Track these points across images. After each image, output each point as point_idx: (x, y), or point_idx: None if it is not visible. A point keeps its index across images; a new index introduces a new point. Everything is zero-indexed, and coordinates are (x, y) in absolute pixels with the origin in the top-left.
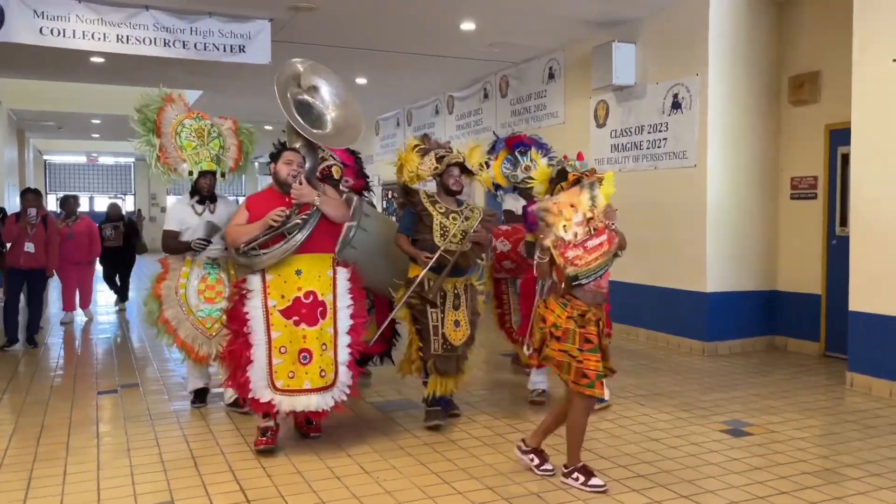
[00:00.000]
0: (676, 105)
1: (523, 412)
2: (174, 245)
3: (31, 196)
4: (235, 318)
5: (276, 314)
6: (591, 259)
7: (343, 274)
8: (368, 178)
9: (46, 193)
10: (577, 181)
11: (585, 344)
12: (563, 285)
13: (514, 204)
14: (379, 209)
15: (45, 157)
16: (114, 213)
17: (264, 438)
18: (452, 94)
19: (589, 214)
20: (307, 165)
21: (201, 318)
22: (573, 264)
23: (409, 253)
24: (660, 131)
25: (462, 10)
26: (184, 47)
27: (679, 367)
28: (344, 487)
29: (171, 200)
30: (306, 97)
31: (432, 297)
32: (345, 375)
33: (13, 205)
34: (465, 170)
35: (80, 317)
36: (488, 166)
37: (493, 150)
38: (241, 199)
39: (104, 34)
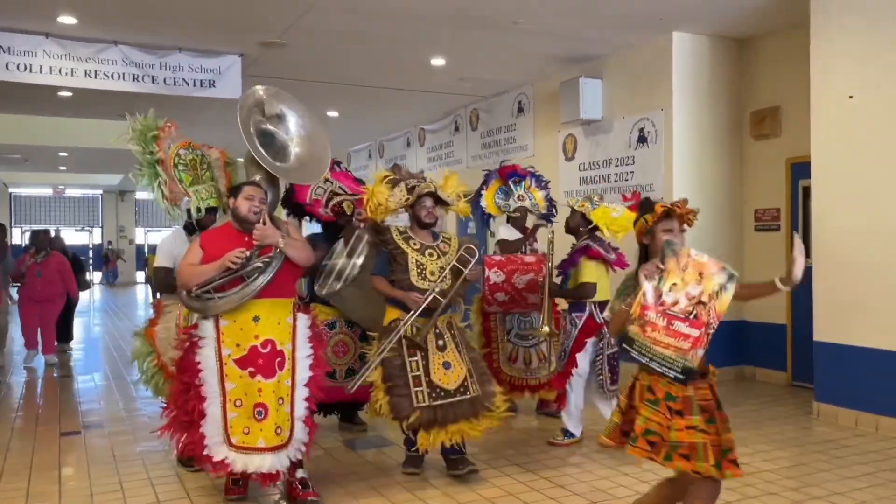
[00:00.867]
0: (642, 139)
1: (538, 467)
2: (171, 282)
3: None
4: (186, 368)
5: (231, 364)
6: (663, 341)
7: (303, 321)
8: None
9: (11, 226)
10: (667, 213)
11: (703, 413)
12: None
13: (508, 233)
14: None
15: (10, 189)
16: (55, 246)
17: (235, 488)
18: (424, 127)
19: (705, 299)
20: (269, 200)
21: None
22: (643, 328)
23: (393, 296)
24: (627, 164)
25: (432, 47)
26: (153, 82)
27: None
28: None
29: (140, 233)
30: (269, 126)
31: (423, 342)
32: (301, 432)
33: None
34: (438, 200)
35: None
36: (480, 196)
37: (486, 181)
38: None
39: (72, 69)
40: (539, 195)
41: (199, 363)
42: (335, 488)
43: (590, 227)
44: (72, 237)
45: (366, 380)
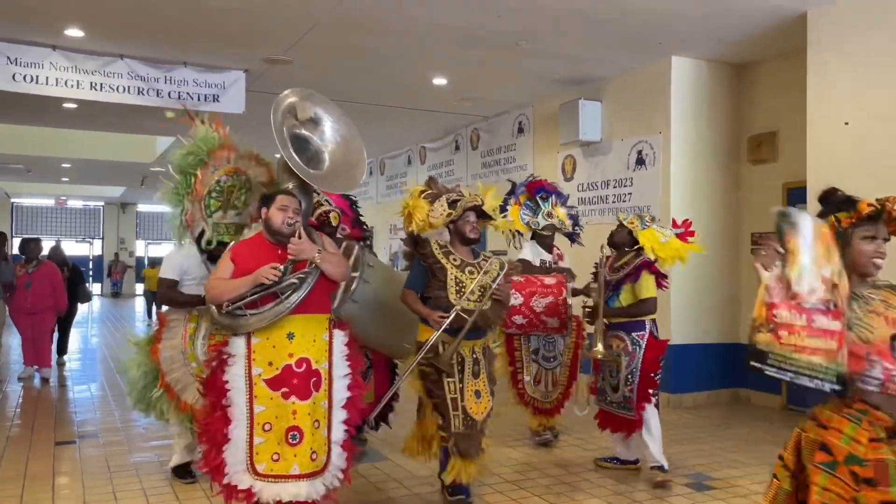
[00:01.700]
0: (640, 161)
1: (556, 497)
2: (176, 297)
3: None
4: (213, 387)
5: (261, 384)
6: (808, 346)
7: (340, 337)
8: (366, 226)
9: (12, 236)
10: (875, 215)
11: None
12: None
13: (532, 253)
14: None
15: (12, 199)
16: (57, 257)
17: None
18: (424, 146)
19: (836, 280)
20: (301, 210)
21: None
22: (775, 333)
23: (418, 312)
24: (625, 186)
25: (434, 67)
26: (157, 96)
27: None
28: None
29: (140, 245)
30: (303, 131)
31: (446, 366)
32: (338, 458)
33: None
34: (481, 215)
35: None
36: (505, 210)
37: (511, 194)
38: None
39: (78, 81)
40: (562, 212)
41: (226, 382)
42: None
43: (636, 246)
44: (72, 248)
45: (414, 391)
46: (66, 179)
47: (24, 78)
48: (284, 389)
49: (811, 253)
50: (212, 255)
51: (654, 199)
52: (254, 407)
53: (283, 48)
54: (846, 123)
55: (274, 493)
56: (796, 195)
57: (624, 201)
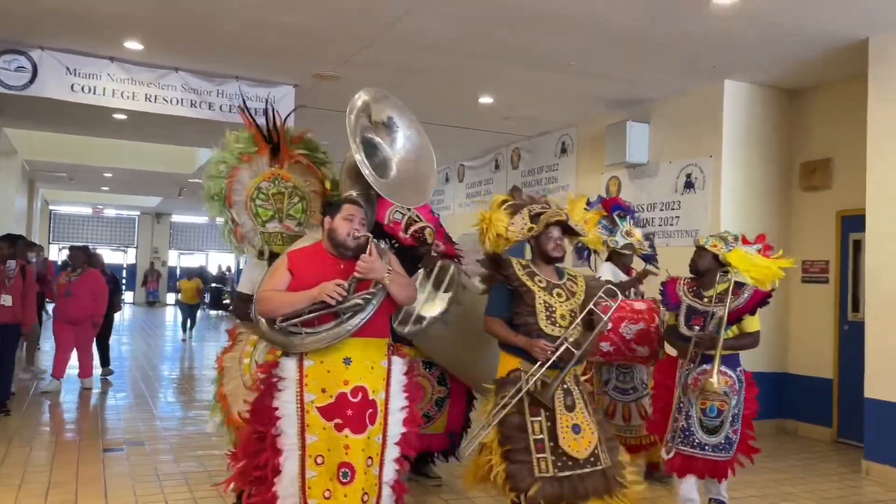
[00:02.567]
0: (689, 184)
1: None
2: (247, 310)
3: (4, 244)
4: (261, 414)
5: (314, 412)
6: None
7: (399, 365)
8: (456, 243)
9: (49, 243)
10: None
11: None
12: None
13: (612, 274)
14: None
15: (51, 207)
16: (95, 265)
17: None
18: (463, 163)
19: None
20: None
21: None
22: None
23: (511, 342)
24: (672, 209)
25: (483, 85)
26: (209, 109)
27: None
28: None
29: (173, 255)
30: (374, 136)
31: (550, 401)
32: (388, 500)
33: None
34: (566, 230)
35: (68, 384)
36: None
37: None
38: None
39: (133, 93)
40: (638, 233)
41: (276, 409)
42: None
43: (721, 269)
44: (107, 257)
45: (481, 441)
46: (106, 189)
47: (83, 88)
48: (338, 420)
49: None
50: None
51: (703, 222)
52: (306, 437)
53: (333, 64)
54: None
55: None
56: (851, 223)
57: (671, 224)
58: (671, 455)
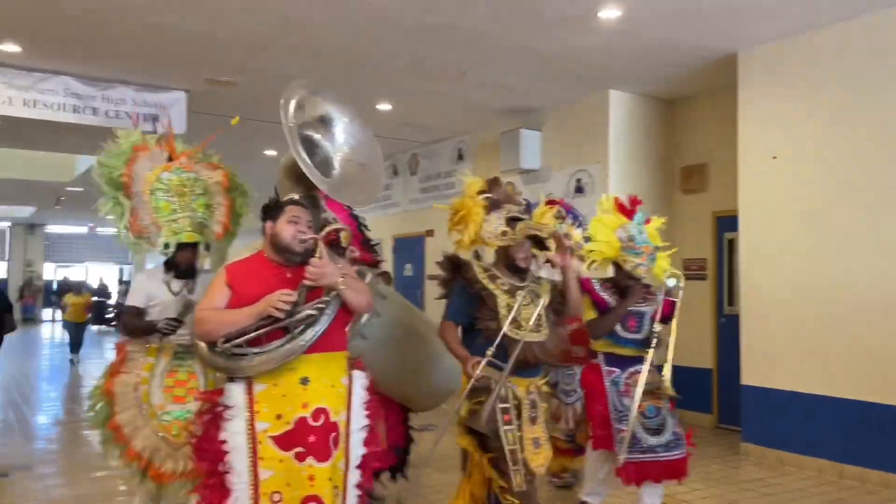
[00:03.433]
0: (580, 189)
1: None
2: (136, 325)
3: None
4: (206, 449)
5: (268, 443)
6: None
7: (360, 381)
8: (376, 246)
9: None
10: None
11: None
12: None
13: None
14: None
15: None
16: None
17: None
18: None
19: None
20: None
21: (166, 423)
22: None
23: (453, 352)
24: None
25: (381, 92)
26: (94, 114)
27: None
28: None
29: (50, 268)
30: (312, 133)
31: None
32: None
33: None
34: (537, 243)
35: None
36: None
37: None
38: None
39: (10, 98)
40: (578, 235)
41: (224, 442)
42: None
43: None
44: None
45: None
46: None
47: None
48: (299, 449)
49: None
50: (178, 272)
51: None
52: (259, 472)
53: (227, 70)
54: (774, 157)
55: None
56: (724, 223)
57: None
58: (620, 464)
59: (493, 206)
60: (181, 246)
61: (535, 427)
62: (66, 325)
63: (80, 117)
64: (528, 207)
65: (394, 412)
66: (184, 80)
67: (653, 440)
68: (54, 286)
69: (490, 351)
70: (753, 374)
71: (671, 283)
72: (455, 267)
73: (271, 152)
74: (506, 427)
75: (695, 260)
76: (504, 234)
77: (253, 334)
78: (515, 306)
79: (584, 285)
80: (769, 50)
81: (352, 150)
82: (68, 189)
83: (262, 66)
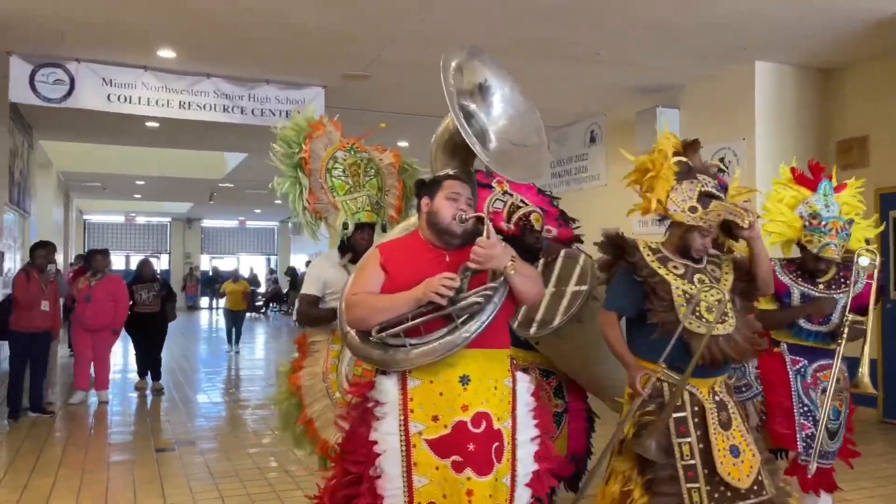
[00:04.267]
0: (723, 169)
1: None
2: (317, 314)
3: (42, 251)
4: (355, 449)
5: (423, 447)
6: None
7: (525, 385)
8: (575, 224)
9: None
10: None
11: None
12: None
13: None
14: None
15: (85, 216)
16: (147, 273)
17: None
18: None
19: None
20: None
21: None
22: None
23: (619, 356)
24: None
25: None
26: (241, 113)
27: None
28: None
29: (205, 259)
30: (469, 103)
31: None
32: None
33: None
34: (726, 229)
35: (92, 398)
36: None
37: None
38: None
39: (167, 101)
40: None
41: (374, 443)
42: None
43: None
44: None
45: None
46: (139, 196)
47: (118, 98)
48: (456, 458)
49: None
50: (354, 254)
51: None
52: (413, 478)
53: (361, 64)
54: None
55: None
56: (890, 201)
57: None
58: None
59: (685, 173)
60: (359, 226)
61: (729, 432)
62: (226, 313)
63: (230, 116)
64: (724, 186)
65: (579, 419)
66: (322, 76)
67: (831, 445)
68: (209, 276)
69: (661, 363)
70: None
71: (864, 261)
72: (618, 248)
73: (403, 143)
74: (680, 440)
75: None
76: (693, 210)
77: (411, 323)
78: (694, 293)
79: None
80: None
81: (510, 121)
82: (220, 185)
83: (393, 58)
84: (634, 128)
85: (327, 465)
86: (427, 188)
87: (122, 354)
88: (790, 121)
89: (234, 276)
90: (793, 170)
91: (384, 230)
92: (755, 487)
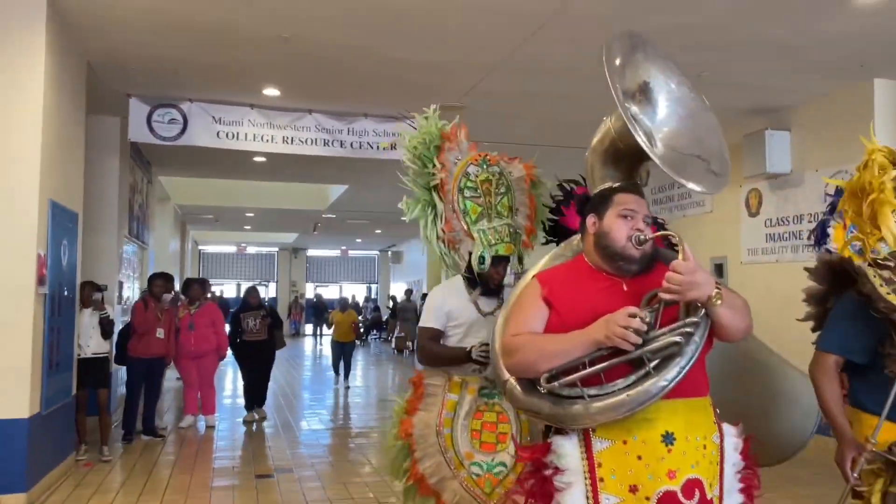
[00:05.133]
0: (839, 191)
1: None
2: (439, 352)
3: (160, 281)
4: None
5: None
6: None
7: (732, 439)
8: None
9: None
10: None
11: None
12: None
13: None
14: None
15: (199, 247)
16: (254, 301)
17: None
18: None
19: None
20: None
21: (476, 477)
22: None
23: (833, 421)
24: None
25: (604, 104)
26: (341, 146)
27: None
28: None
29: (310, 288)
30: (630, 104)
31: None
32: None
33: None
34: None
35: (201, 422)
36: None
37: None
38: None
39: (272, 136)
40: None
41: None
42: None
43: None
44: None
45: None
46: (248, 227)
47: (227, 135)
48: None
49: None
50: (487, 288)
51: None
52: None
53: (456, 95)
54: None
55: None
56: None
57: None
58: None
59: None
60: (496, 260)
61: None
62: (334, 345)
63: (330, 150)
64: None
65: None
66: (417, 108)
67: None
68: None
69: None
70: None
71: None
72: (840, 276)
73: None
74: None
75: None
76: None
77: (589, 370)
78: None
79: None
80: None
81: (681, 122)
82: (324, 216)
83: (488, 89)
84: (741, 151)
85: None
86: (592, 205)
87: (232, 380)
88: None
89: (342, 304)
90: None
91: (521, 261)
92: None
